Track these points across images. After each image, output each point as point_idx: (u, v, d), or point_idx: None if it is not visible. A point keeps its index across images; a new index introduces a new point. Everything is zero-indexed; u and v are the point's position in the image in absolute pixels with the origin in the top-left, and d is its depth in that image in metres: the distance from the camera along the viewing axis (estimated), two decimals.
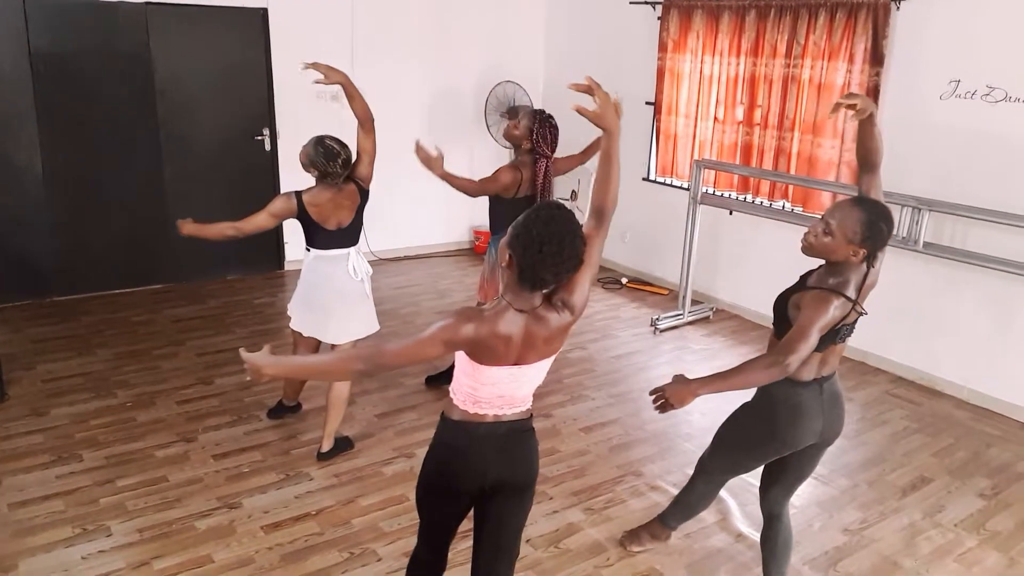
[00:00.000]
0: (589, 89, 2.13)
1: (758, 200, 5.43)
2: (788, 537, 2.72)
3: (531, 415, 2.19)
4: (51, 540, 2.98)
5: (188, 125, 5.76)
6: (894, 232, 2.45)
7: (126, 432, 3.79)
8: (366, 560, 2.93)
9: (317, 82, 3.41)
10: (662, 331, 5.40)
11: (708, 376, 2.27)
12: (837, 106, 2.45)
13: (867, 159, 2.52)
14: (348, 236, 3.44)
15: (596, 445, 3.84)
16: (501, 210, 3.90)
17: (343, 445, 3.67)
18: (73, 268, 5.56)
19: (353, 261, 3.46)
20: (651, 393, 2.32)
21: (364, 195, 3.46)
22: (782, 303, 2.41)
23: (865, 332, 4.90)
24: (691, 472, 3.56)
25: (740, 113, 5.49)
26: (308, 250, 3.45)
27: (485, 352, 1.99)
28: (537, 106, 6.73)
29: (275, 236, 6.26)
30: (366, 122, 3.44)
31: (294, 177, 6.13)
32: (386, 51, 6.38)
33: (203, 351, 4.74)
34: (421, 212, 6.85)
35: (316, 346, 3.56)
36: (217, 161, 5.91)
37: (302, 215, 3.31)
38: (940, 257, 4.34)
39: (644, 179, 6.37)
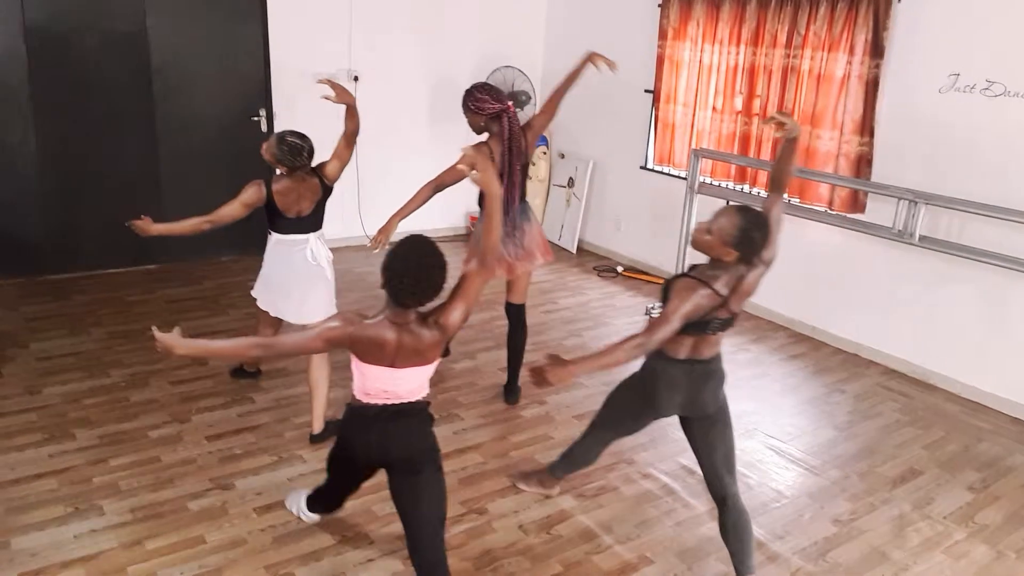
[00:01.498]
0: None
1: (755, 191, 5.43)
2: (739, 519, 2.71)
3: (423, 403, 2.49)
4: (43, 518, 2.98)
5: (184, 104, 5.72)
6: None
7: (119, 412, 3.79)
8: (358, 543, 2.94)
9: (325, 97, 3.56)
10: None
11: (581, 357, 2.55)
12: (770, 119, 2.70)
13: (778, 179, 2.75)
14: (307, 224, 3.54)
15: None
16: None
17: (335, 428, 3.67)
18: (67, 247, 5.54)
19: (312, 246, 3.55)
20: (529, 371, 2.55)
21: (327, 190, 3.56)
22: (666, 286, 2.59)
23: (859, 325, 4.97)
24: (683, 461, 3.60)
25: (739, 103, 5.48)
26: (271, 234, 3.54)
27: (362, 352, 2.35)
28: (537, 93, 6.71)
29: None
30: (352, 136, 3.58)
31: None
32: (384, 33, 6.34)
33: (197, 332, 4.73)
34: None
35: (278, 325, 3.64)
36: (213, 141, 5.88)
37: (268, 202, 3.43)
38: (935, 251, 4.35)
39: (642, 167, 6.36)
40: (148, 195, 5.68)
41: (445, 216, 7.15)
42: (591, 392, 4.24)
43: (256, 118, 5.99)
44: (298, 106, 6.09)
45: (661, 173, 6.21)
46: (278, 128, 6.02)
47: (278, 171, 3.48)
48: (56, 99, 5.27)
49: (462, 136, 6.86)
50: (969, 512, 3.39)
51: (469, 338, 4.84)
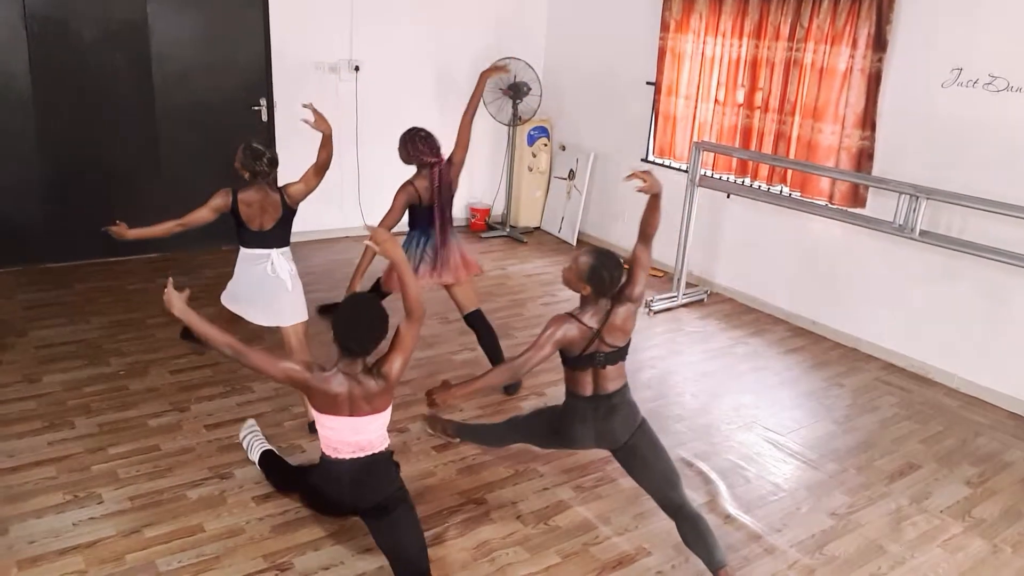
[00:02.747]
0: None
1: (756, 184, 5.42)
2: (696, 525, 2.76)
3: (387, 451, 2.77)
4: (42, 506, 2.99)
5: (184, 93, 5.70)
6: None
7: (119, 400, 3.79)
8: (354, 534, 2.94)
9: (304, 120, 3.74)
10: (656, 312, 5.41)
11: (463, 382, 2.86)
12: (632, 175, 3.05)
13: (644, 231, 3.09)
14: (269, 238, 3.62)
15: None
16: (413, 215, 4.09)
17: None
18: (67, 235, 5.53)
19: (274, 260, 3.64)
20: (426, 394, 2.90)
21: (288, 210, 3.64)
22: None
23: (858, 319, 4.97)
24: (682, 453, 3.61)
25: (741, 96, 5.46)
26: (239, 249, 3.66)
27: (319, 403, 2.64)
28: (542, 84, 6.69)
29: None
30: (323, 167, 3.70)
31: (290, 147, 6.10)
32: (385, 23, 6.32)
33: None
34: None
35: (235, 325, 3.64)
36: (213, 130, 5.86)
37: (234, 211, 3.55)
38: (936, 246, 4.35)
39: (643, 160, 6.35)
40: (147, 183, 5.69)
41: None
42: None
43: (256, 107, 5.97)
44: (298, 96, 6.07)
45: (662, 166, 6.20)
46: (278, 118, 6.02)
47: (246, 177, 3.60)
48: (56, 87, 5.26)
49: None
50: (966, 506, 3.40)
51: (470, 330, 4.85)
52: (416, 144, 4.03)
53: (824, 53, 4.84)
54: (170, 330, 4.57)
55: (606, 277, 2.76)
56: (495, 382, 2.84)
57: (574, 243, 6.87)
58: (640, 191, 3.06)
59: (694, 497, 3.29)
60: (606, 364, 2.83)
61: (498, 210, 7.32)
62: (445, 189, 4.06)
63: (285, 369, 2.61)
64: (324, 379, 2.61)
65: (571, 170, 7.00)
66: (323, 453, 2.75)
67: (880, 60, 4.55)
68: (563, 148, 7.10)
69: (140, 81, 5.52)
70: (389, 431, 2.79)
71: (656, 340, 4.96)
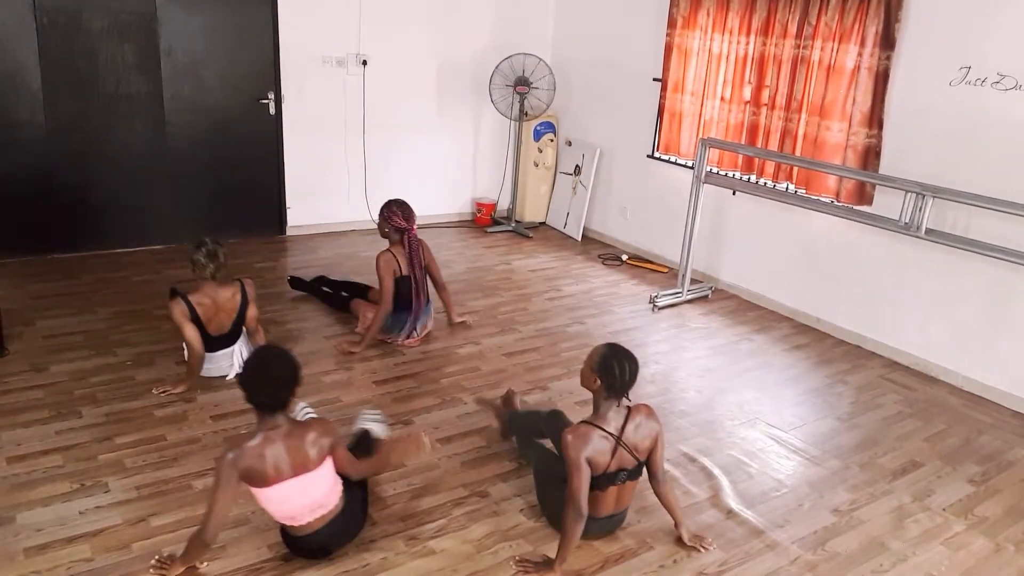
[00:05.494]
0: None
1: (762, 181, 5.42)
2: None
3: (344, 500, 2.70)
4: (49, 495, 3.01)
5: (193, 86, 5.72)
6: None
7: (125, 390, 3.81)
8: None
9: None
10: (660, 308, 5.41)
11: (557, 554, 2.72)
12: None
13: (667, 508, 3.02)
14: (229, 338, 3.88)
15: None
16: (396, 289, 4.39)
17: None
18: (74, 226, 5.56)
19: (237, 355, 3.89)
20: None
21: (245, 305, 3.88)
22: (557, 437, 2.87)
23: (862, 316, 4.97)
24: (685, 449, 3.62)
25: (747, 93, 5.46)
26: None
27: (257, 479, 2.49)
28: (556, 78, 6.69)
29: (277, 200, 6.26)
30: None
31: (297, 140, 6.15)
32: (394, 17, 6.32)
33: None
34: (423, 182, 6.83)
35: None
36: (221, 123, 5.89)
37: (193, 315, 3.72)
38: (941, 244, 4.34)
39: (649, 156, 6.35)
40: (156, 176, 5.71)
41: (451, 202, 7.16)
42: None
43: (264, 101, 5.99)
44: (306, 89, 6.10)
45: (668, 162, 6.20)
46: (286, 111, 6.04)
47: (193, 274, 3.80)
48: (65, 79, 5.28)
49: (469, 119, 6.91)
50: (969, 504, 3.40)
51: (469, 326, 4.86)
52: (392, 208, 4.39)
53: (832, 51, 4.83)
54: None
55: (615, 368, 2.66)
56: (574, 531, 2.66)
57: (579, 238, 6.88)
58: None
59: (697, 492, 3.31)
60: (626, 480, 2.79)
61: (503, 205, 7.33)
62: (416, 254, 4.39)
63: (223, 484, 2.46)
64: (248, 450, 2.47)
65: (577, 165, 7.00)
66: (281, 527, 2.70)
67: (888, 58, 4.55)
68: (569, 143, 7.10)
69: (148, 73, 5.54)
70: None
71: (660, 336, 4.97)
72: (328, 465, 2.62)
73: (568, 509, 2.65)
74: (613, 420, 2.74)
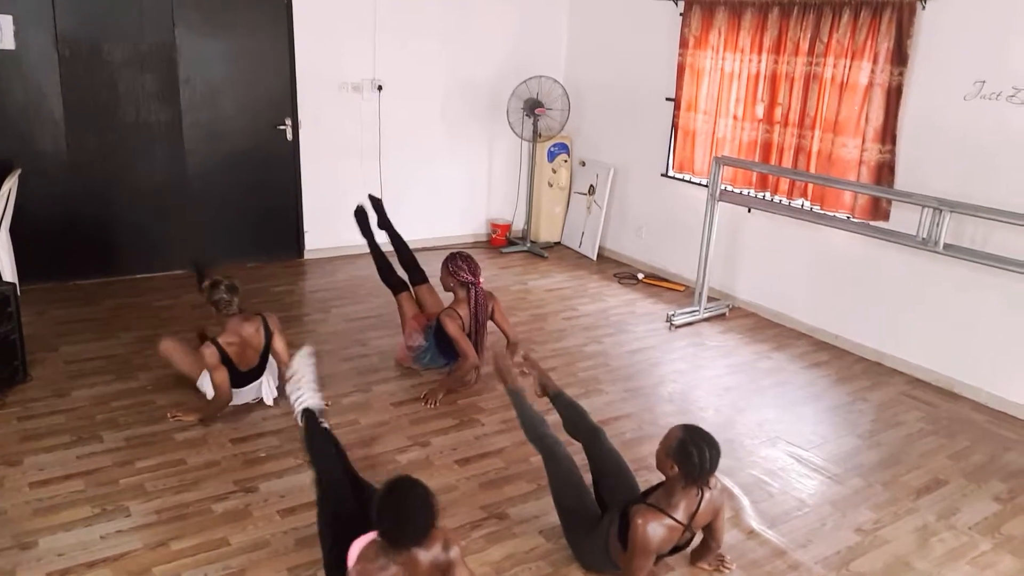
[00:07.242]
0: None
1: (777, 198, 5.41)
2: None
3: None
4: (71, 519, 3.03)
5: (211, 114, 5.81)
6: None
7: (146, 415, 3.84)
8: None
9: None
10: (677, 327, 5.40)
11: None
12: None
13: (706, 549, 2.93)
14: (256, 372, 3.92)
15: (610, 439, 3.83)
16: (448, 343, 4.28)
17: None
18: (96, 252, 5.64)
19: (264, 386, 3.96)
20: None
21: (268, 335, 3.92)
22: (625, 511, 2.68)
23: (882, 333, 4.93)
24: None
25: (760, 111, 5.47)
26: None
27: None
28: (571, 100, 6.73)
29: (295, 224, 6.31)
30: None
31: (315, 165, 6.21)
32: (408, 43, 6.39)
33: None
34: (439, 203, 6.88)
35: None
36: (239, 150, 5.96)
37: (224, 358, 3.72)
38: (960, 259, 4.31)
39: (663, 175, 6.36)
40: (176, 202, 5.79)
41: (467, 223, 7.19)
42: (612, 399, 4.25)
43: (282, 127, 6.07)
44: (323, 115, 6.17)
45: (682, 181, 6.21)
46: (303, 137, 6.11)
47: (215, 313, 3.83)
48: (87, 108, 5.38)
49: (483, 141, 6.95)
50: (995, 523, 3.35)
51: (490, 343, 4.86)
52: (457, 261, 4.27)
53: (844, 67, 4.84)
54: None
55: (694, 453, 2.52)
56: None
57: (594, 258, 6.88)
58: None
59: None
60: (679, 551, 2.75)
61: (518, 225, 7.35)
62: (481, 308, 4.28)
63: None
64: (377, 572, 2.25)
65: (591, 185, 7.02)
66: None
67: (901, 74, 4.54)
68: (583, 164, 7.12)
69: (168, 102, 5.63)
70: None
71: (678, 354, 4.95)
72: None
73: None
74: (685, 507, 2.62)
